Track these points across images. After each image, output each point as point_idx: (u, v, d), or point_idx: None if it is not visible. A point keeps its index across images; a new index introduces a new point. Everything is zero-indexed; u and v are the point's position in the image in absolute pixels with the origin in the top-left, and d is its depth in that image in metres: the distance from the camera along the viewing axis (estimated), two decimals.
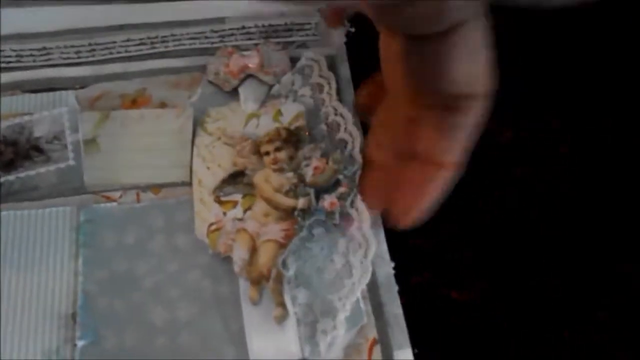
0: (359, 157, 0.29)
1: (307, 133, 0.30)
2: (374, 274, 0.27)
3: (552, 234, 0.30)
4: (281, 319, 0.26)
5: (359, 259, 0.27)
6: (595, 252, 0.29)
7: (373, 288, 0.27)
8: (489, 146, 0.32)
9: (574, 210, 0.31)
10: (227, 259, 0.27)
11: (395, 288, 0.27)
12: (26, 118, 0.31)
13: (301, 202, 0.27)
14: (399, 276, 0.27)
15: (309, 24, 0.34)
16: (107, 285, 0.26)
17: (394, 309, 0.26)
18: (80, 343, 0.25)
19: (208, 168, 0.29)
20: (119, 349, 0.25)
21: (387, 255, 0.28)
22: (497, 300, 0.28)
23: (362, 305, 0.26)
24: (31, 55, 0.33)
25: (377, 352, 0.25)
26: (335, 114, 0.31)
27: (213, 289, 0.27)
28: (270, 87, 0.32)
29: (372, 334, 0.26)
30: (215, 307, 0.26)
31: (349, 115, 0.30)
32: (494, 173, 0.31)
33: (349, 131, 0.30)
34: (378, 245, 0.28)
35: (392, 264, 0.27)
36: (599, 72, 0.35)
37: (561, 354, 0.27)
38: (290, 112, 0.31)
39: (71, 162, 0.30)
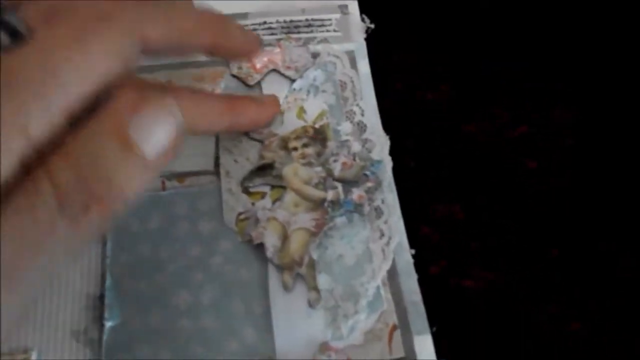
0: (388, 158, 0.30)
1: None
2: (393, 261, 0.28)
3: (563, 226, 0.30)
4: (315, 302, 0.26)
5: (380, 247, 0.28)
6: (608, 245, 0.30)
7: (393, 275, 0.27)
8: (501, 139, 0.33)
9: (584, 202, 0.31)
10: (249, 246, 0.28)
11: (415, 276, 0.27)
12: None
13: (330, 194, 0.28)
14: (417, 266, 0.28)
15: (330, 19, 0.35)
16: (133, 268, 0.27)
17: (413, 296, 0.27)
18: (108, 324, 0.26)
19: (236, 161, 0.30)
20: (144, 330, 0.26)
21: (406, 244, 0.28)
22: (511, 288, 0.28)
23: (382, 292, 0.27)
24: None
25: (397, 337, 0.26)
26: (362, 115, 0.31)
27: (236, 274, 0.27)
28: (292, 81, 0.33)
29: (392, 319, 0.26)
30: (238, 291, 0.27)
31: (376, 119, 0.31)
32: (506, 165, 0.32)
33: (377, 134, 0.31)
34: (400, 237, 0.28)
35: (412, 251, 0.28)
36: (608, 66, 0.35)
37: (572, 345, 0.27)
38: (314, 110, 0.32)
39: None
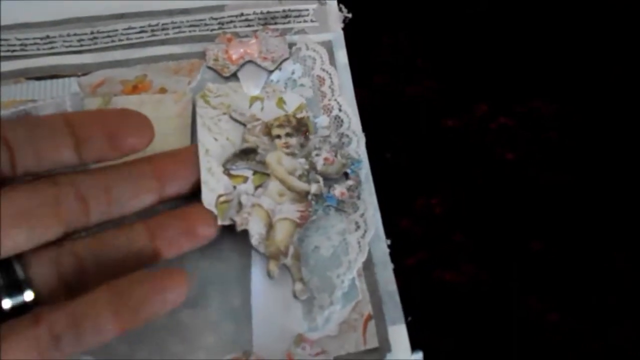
0: (365, 155, 0.30)
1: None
2: (369, 252, 0.28)
3: (543, 218, 0.30)
4: (302, 293, 0.27)
5: (356, 239, 0.28)
6: (586, 237, 0.30)
7: (368, 266, 0.28)
8: (480, 132, 0.33)
9: (565, 196, 0.31)
10: (225, 240, 0.28)
11: (391, 266, 0.28)
12: (30, 104, 0.31)
13: (314, 188, 0.28)
14: (396, 258, 0.28)
15: (307, 10, 0.35)
16: None
17: (389, 285, 0.27)
18: None
19: (215, 140, 0.30)
20: None
21: (382, 234, 0.28)
22: (491, 281, 0.29)
23: (357, 282, 0.27)
24: (35, 43, 0.34)
25: (372, 327, 0.26)
26: (340, 110, 0.31)
27: (212, 269, 0.27)
28: (269, 72, 0.33)
29: (367, 310, 0.26)
30: (215, 285, 0.27)
31: (353, 114, 0.31)
32: (485, 157, 0.32)
33: (353, 129, 0.31)
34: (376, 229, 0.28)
35: (388, 242, 0.28)
36: (591, 58, 0.35)
37: (551, 336, 0.28)
38: (293, 102, 0.32)
39: None
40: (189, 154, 0.28)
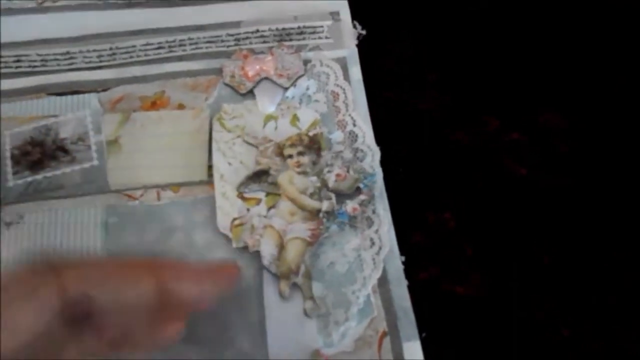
0: (379, 169, 0.31)
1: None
2: (384, 269, 0.28)
3: (553, 233, 0.31)
4: (312, 311, 0.27)
5: (371, 255, 0.28)
6: (588, 238, 0.30)
7: (383, 282, 0.28)
8: (492, 147, 0.33)
9: (574, 208, 0.31)
10: (243, 256, 0.28)
11: (405, 282, 0.28)
12: (52, 120, 0.32)
13: (326, 205, 0.29)
14: (408, 272, 0.28)
15: (322, 27, 0.36)
16: None
17: (403, 302, 0.28)
18: None
19: (230, 164, 0.31)
20: None
21: (397, 251, 0.29)
22: (502, 295, 0.29)
23: (372, 298, 0.28)
24: (55, 59, 0.34)
25: (387, 343, 0.26)
26: (354, 125, 0.32)
27: None
28: (285, 89, 0.33)
29: (382, 326, 0.27)
30: (232, 300, 0.27)
31: (367, 129, 0.32)
32: (496, 171, 0.32)
33: (367, 144, 0.31)
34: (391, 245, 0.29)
35: (402, 258, 0.29)
36: (601, 72, 0.36)
37: (551, 336, 0.28)
38: (307, 119, 0.32)
39: (95, 162, 0.31)
40: (201, 277, 0.24)
